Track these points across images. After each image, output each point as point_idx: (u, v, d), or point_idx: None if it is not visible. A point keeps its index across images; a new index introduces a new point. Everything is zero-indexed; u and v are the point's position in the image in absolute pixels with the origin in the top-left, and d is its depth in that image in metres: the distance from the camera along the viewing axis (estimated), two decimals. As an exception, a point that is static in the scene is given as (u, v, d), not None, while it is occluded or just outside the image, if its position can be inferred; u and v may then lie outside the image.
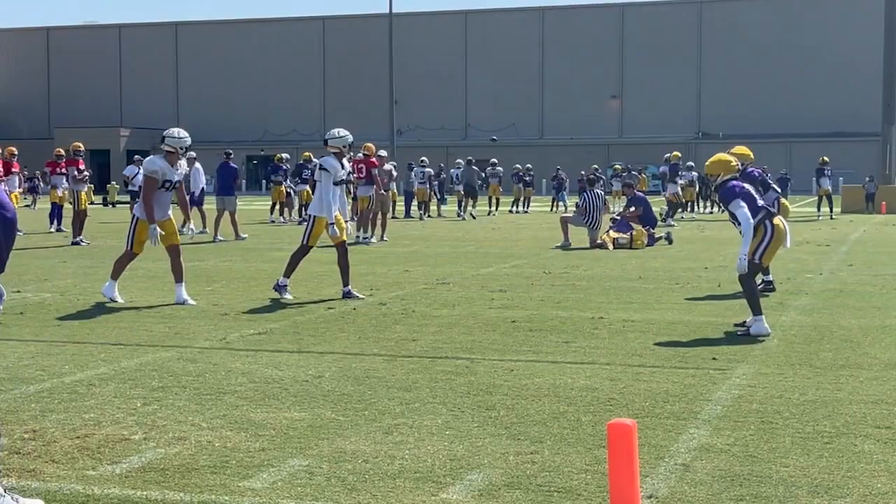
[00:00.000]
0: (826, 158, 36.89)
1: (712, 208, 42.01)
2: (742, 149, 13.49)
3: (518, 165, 46.17)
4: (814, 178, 33.61)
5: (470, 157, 39.37)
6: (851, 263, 17.31)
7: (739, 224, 10.02)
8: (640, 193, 24.03)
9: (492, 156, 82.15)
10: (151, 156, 12.68)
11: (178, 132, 12.66)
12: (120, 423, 6.56)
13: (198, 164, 26.58)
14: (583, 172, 41.80)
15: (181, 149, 12.54)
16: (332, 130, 13.40)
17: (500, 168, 42.36)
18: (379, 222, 24.09)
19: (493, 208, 40.77)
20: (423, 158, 38.62)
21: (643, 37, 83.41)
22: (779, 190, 14.26)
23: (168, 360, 8.68)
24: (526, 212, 41.70)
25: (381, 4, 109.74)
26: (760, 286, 13.14)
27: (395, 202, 32.08)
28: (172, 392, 7.47)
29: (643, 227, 22.03)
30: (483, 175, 40.74)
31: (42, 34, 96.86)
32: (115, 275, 12.67)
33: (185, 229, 13.16)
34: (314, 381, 7.80)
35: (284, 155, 34.73)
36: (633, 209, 22.64)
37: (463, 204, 36.86)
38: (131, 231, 12.58)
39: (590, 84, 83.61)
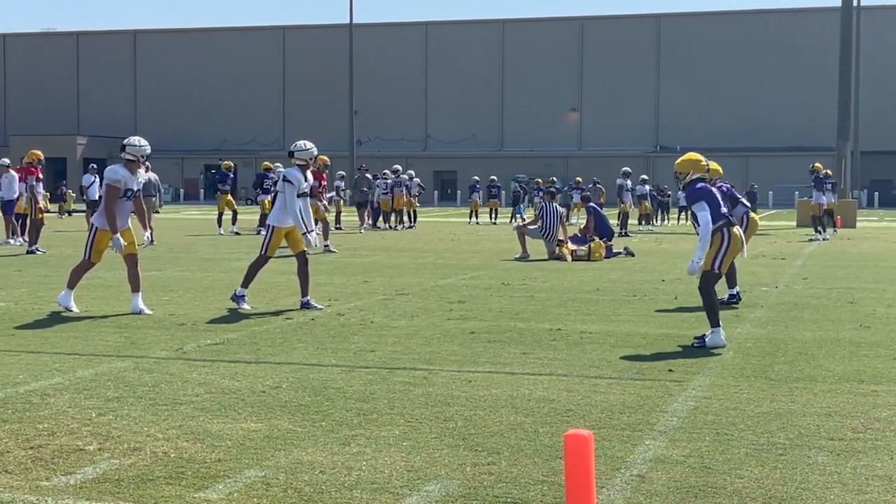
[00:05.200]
0: (829, 171, 35.83)
1: (667, 220, 42.30)
2: (712, 164, 13.58)
3: (476, 178, 46.36)
4: (815, 192, 31.59)
5: (363, 165, 37.15)
6: (806, 277, 17.49)
7: (699, 225, 10.06)
8: (594, 206, 24.15)
9: (452, 167, 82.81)
10: (112, 165, 12.59)
11: (138, 140, 12.61)
12: (74, 434, 6.50)
13: (12, 172, 25.57)
14: (538, 181, 41.96)
15: (141, 157, 12.48)
16: (298, 143, 13.35)
17: (406, 176, 38.13)
18: None
19: (395, 221, 37.08)
20: (394, 167, 38.13)
21: (602, 50, 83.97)
22: (748, 204, 14.37)
23: (124, 370, 8.62)
24: (495, 223, 41.83)
25: (341, 15, 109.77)
26: (723, 298, 13.25)
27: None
28: (128, 402, 7.42)
29: (600, 239, 22.13)
30: (372, 184, 36.56)
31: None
32: (72, 284, 12.57)
33: (144, 238, 13.08)
34: (271, 392, 7.77)
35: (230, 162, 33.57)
36: (588, 224, 22.78)
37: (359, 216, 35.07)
38: (90, 240, 12.49)
39: (549, 96, 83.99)
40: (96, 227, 12.44)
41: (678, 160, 10.58)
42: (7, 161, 25.51)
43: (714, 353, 9.59)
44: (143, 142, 12.60)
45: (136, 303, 12.33)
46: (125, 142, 12.63)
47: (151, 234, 25.90)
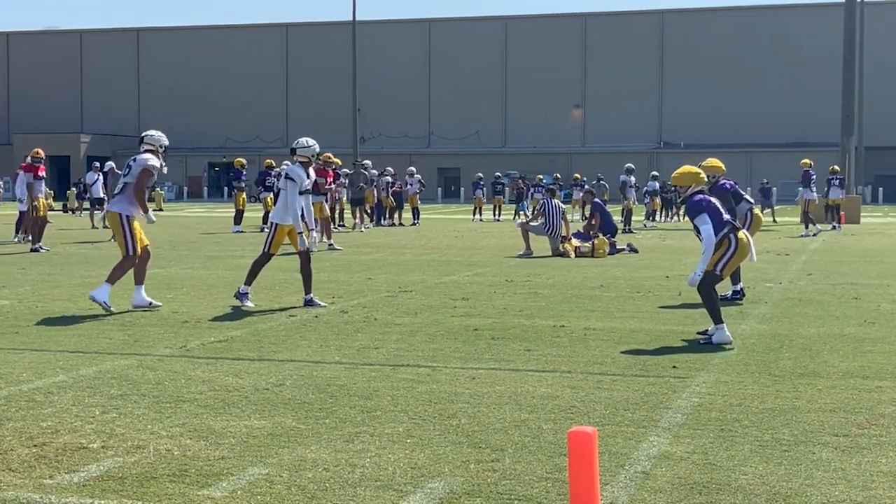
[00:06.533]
0: (836, 167, 36.08)
1: (671, 217, 42.29)
2: (714, 161, 13.59)
3: (480, 175, 46.35)
4: (816, 187, 31.68)
5: (358, 160, 35.54)
6: (810, 273, 17.46)
7: (702, 237, 10.06)
8: (599, 202, 24.10)
9: (455, 164, 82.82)
10: (140, 155, 12.67)
11: (157, 133, 12.98)
12: (78, 432, 6.50)
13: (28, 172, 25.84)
14: (539, 177, 41.98)
15: (160, 147, 12.75)
16: (300, 140, 13.34)
17: (375, 171, 36.84)
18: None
19: (366, 220, 34.54)
20: (363, 162, 37.12)
21: (605, 46, 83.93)
22: (752, 201, 14.35)
23: (127, 368, 8.62)
24: (498, 220, 41.72)
25: (345, 12, 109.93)
26: (727, 295, 13.25)
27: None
28: (131, 400, 7.42)
29: (604, 235, 22.11)
30: (368, 180, 34.54)
31: (2, 39, 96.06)
32: (112, 280, 12.45)
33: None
34: (275, 389, 7.77)
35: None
36: (594, 221, 22.75)
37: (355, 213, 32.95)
38: (128, 235, 12.42)
39: (553, 93, 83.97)
40: (127, 216, 12.41)
41: (675, 174, 10.56)
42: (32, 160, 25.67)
43: (718, 350, 9.58)
44: (161, 134, 12.98)
45: (139, 295, 12.34)
46: (144, 134, 12.94)
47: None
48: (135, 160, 12.60)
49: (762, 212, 40.24)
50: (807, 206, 31.21)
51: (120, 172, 28.82)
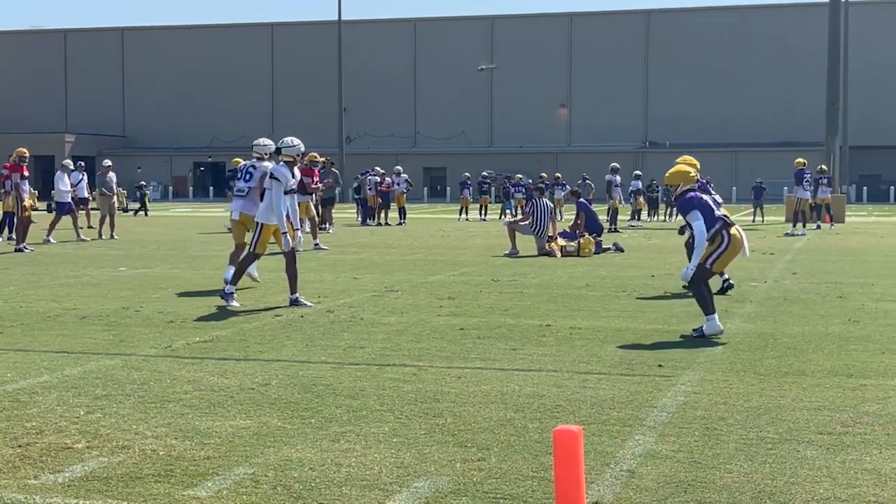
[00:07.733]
0: (824, 167, 36.18)
1: (656, 217, 42.35)
2: (688, 159, 13.65)
3: (467, 174, 46.32)
4: (802, 188, 31.69)
5: (327, 158, 32.98)
6: (795, 272, 17.51)
7: (694, 234, 10.18)
8: (584, 202, 24.09)
9: (441, 164, 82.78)
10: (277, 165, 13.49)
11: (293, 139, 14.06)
12: (63, 432, 6.48)
13: (59, 172, 26.52)
14: (529, 181, 41.93)
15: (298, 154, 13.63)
16: (285, 139, 13.27)
17: (377, 170, 37.31)
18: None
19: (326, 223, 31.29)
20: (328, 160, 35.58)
21: (591, 46, 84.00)
22: (720, 201, 14.43)
23: (112, 368, 8.60)
24: (485, 219, 41.65)
25: (330, 12, 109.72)
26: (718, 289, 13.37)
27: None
28: (116, 400, 7.40)
29: (590, 234, 22.13)
30: (339, 178, 33.94)
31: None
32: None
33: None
34: (260, 389, 7.76)
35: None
36: (579, 220, 22.75)
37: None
38: (258, 234, 13.31)
39: (539, 93, 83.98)
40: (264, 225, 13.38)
41: (668, 173, 10.73)
42: (70, 163, 26.25)
43: (703, 348, 9.59)
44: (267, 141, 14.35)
45: (230, 272, 13.52)
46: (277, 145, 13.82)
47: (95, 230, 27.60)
48: (255, 167, 14.06)
49: (754, 210, 40.43)
50: (799, 204, 31.32)
51: (109, 168, 29.23)
